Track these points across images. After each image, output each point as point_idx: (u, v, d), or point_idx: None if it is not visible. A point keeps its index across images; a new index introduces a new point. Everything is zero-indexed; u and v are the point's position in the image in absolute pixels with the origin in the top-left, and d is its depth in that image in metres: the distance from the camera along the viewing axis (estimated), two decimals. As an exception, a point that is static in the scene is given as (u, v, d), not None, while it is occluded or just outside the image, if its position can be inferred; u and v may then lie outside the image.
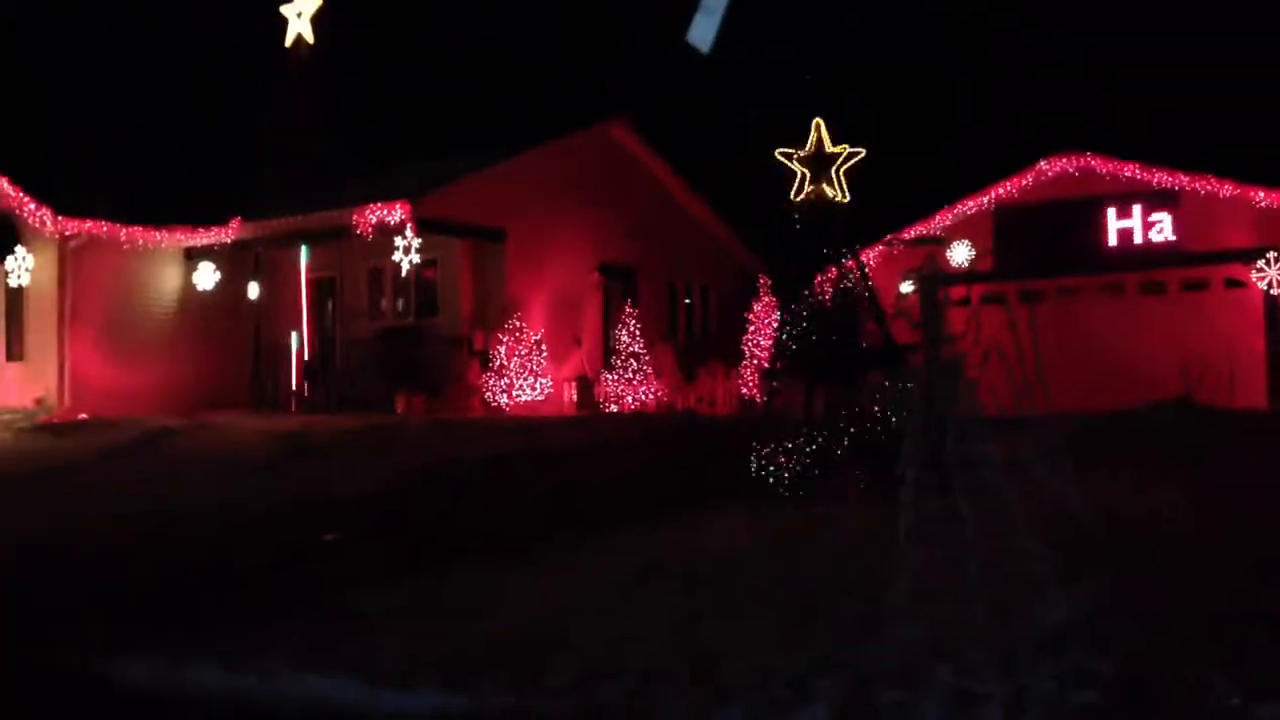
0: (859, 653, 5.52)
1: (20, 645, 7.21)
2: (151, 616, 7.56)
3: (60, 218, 19.62)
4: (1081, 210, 21.90)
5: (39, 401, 19.64)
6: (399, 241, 19.11)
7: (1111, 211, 21.72)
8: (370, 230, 19.41)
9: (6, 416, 19.10)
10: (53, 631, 7.44)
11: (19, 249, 20.34)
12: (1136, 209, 21.54)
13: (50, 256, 19.87)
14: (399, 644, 6.37)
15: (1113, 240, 21.75)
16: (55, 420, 18.79)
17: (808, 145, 10.01)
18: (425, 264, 20.19)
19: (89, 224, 19.88)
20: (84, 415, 19.00)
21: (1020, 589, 6.13)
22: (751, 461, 9.68)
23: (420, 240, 19.19)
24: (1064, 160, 22.16)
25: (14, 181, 20.18)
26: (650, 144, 24.48)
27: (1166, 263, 21.20)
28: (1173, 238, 21.25)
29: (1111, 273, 21.64)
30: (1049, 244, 22.21)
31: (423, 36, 32.62)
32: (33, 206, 19.79)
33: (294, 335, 21.17)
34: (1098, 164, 21.84)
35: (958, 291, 19.93)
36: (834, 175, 9.98)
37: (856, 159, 10.08)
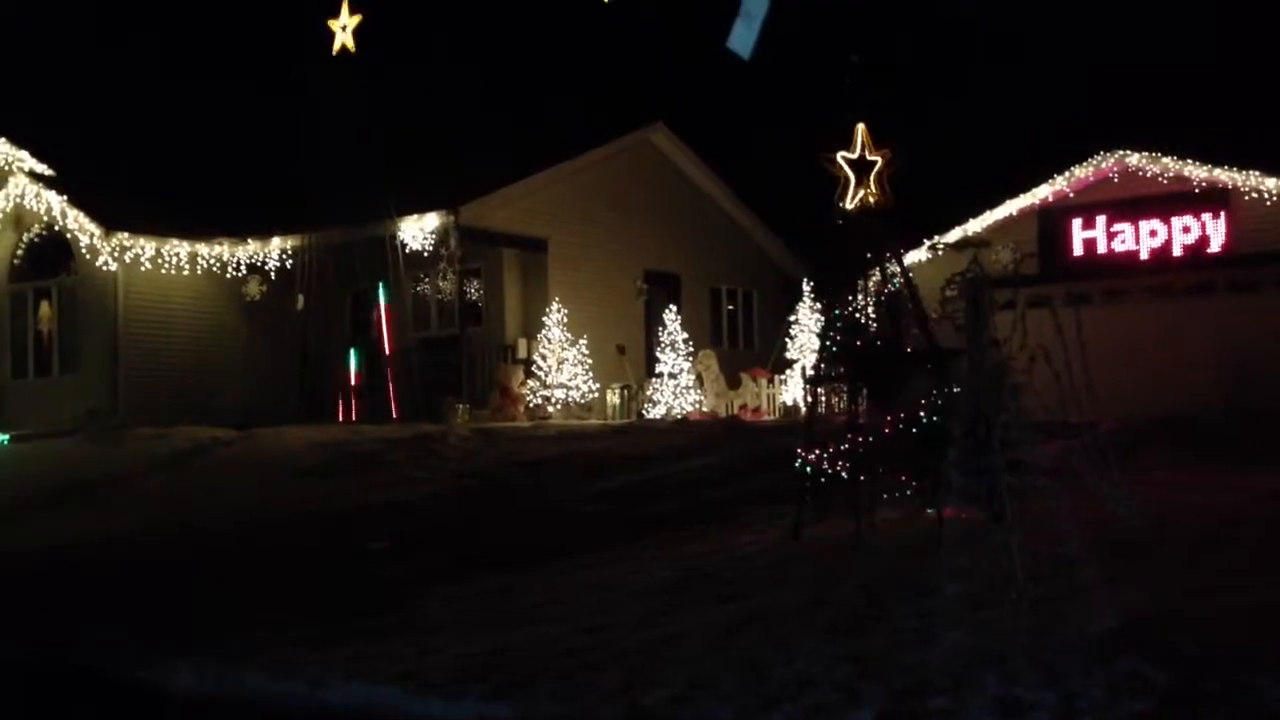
0: (905, 660, 5.48)
1: (72, 648, 7.32)
2: (200, 622, 7.66)
3: (111, 232, 19.95)
4: (1129, 210, 21.62)
5: (91, 413, 19.95)
6: (442, 251, 19.23)
7: (1160, 211, 21.42)
8: (414, 240, 19.56)
9: (62, 429, 19.42)
10: (103, 635, 7.55)
11: (72, 263, 20.71)
12: (1185, 208, 21.22)
13: (102, 270, 20.21)
14: (444, 651, 6.41)
15: (1160, 240, 21.45)
16: (109, 431, 19.06)
17: (852, 149, 9.97)
18: (469, 273, 20.32)
19: (139, 238, 20.21)
20: (135, 426, 19.27)
21: (1069, 595, 6.05)
22: (796, 468, 9.63)
23: (463, 250, 19.30)
24: (1110, 160, 21.88)
25: (66, 197, 20.57)
26: (692, 150, 24.49)
27: (1216, 263, 20.86)
28: (1223, 237, 20.92)
29: (1160, 273, 21.32)
30: (1095, 245, 21.97)
31: (464, 47, 32.86)
32: (85, 222, 20.14)
33: (339, 345, 21.37)
34: (1144, 163, 21.54)
35: (1002, 294, 19.71)
36: (877, 179, 9.93)
37: (899, 163, 10.02)
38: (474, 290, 20.96)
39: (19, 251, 21.69)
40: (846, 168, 9.94)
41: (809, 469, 9.55)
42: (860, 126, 9.99)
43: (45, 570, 10.11)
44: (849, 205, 9.94)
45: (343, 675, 6.11)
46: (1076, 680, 4.94)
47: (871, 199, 9.90)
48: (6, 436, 18.62)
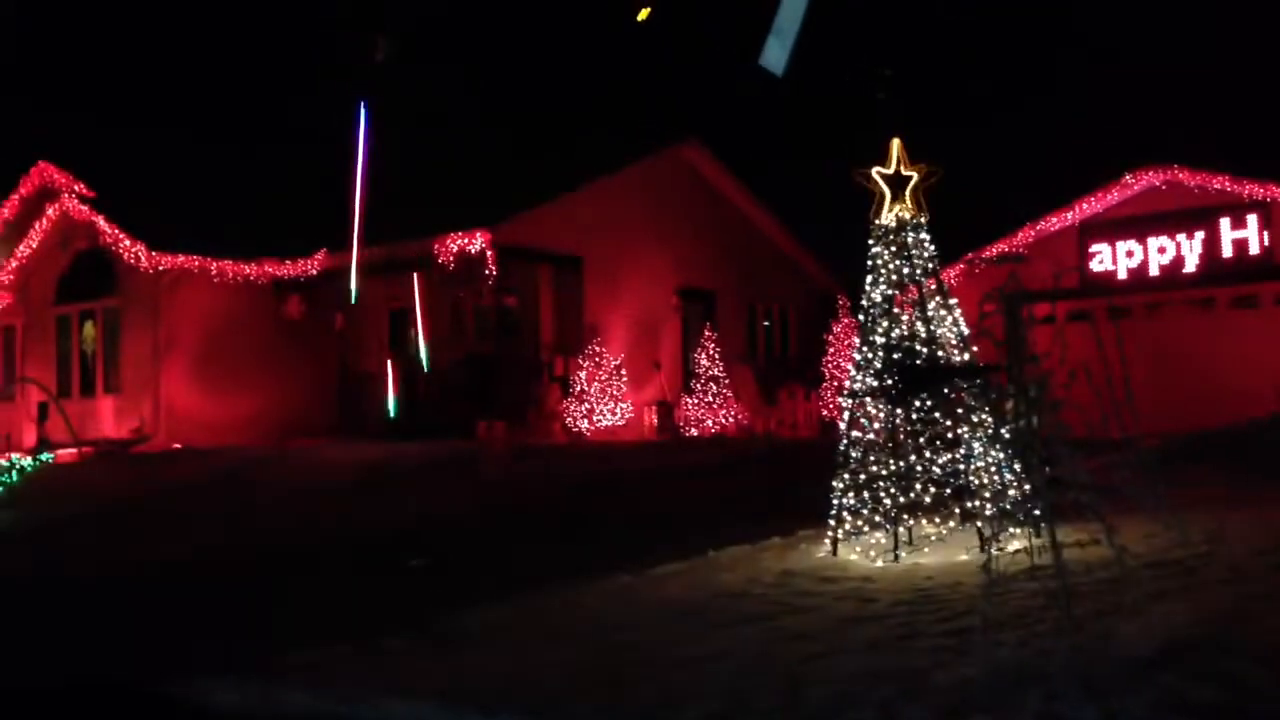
0: (946, 678, 5.43)
1: (114, 664, 7.40)
2: (238, 638, 7.72)
3: (154, 253, 20.23)
4: (1169, 224, 21.42)
5: (135, 432, 20.21)
6: (479, 269, 19.34)
7: (1200, 224, 21.21)
8: (451, 259, 19.69)
9: (105, 448, 19.68)
10: (144, 651, 7.63)
11: (116, 284, 21.01)
12: (1226, 221, 21.00)
13: (145, 291, 20.49)
14: (482, 667, 6.43)
15: (1201, 254, 21.23)
16: (151, 450, 19.30)
17: (887, 164, 9.93)
18: (505, 291, 20.43)
19: (181, 258, 20.47)
20: (178, 445, 19.49)
21: (1113, 613, 5.98)
22: (832, 484, 9.59)
23: (500, 267, 19.40)
24: (1150, 173, 21.69)
25: (109, 219, 20.88)
26: (726, 166, 24.52)
27: (1258, 276, 20.62)
28: (1265, 250, 20.67)
29: (1201, 287, 21.11)
30: (1136, 258, 21.77)
31: (499, 65, 33.09)
32: (128, 243, 20.44)
33: (377, 364, 21.52)
34: (1185, 176, 21.33)
35: (1042, 309, 19.56)
36: (913, 194, 9.88)
37: (935, 178, 9.97)
38: (510, 307, 21.06)
39: (65, 272, 22.04)
40: (882, 183, 9.91)
41: (845, 485, 9.50)
42: (895, 141, 9.96)
43: (83, 589, 10.22)
44: (878, 219, 9.91)
45: (380, 692, 6.13)
46: (1119, 698, 4.87)
47: (908, 213, 9.86)
48: (51, 455, 18.88)
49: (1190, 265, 21.30)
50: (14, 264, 22.12)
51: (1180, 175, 21.37)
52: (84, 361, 21.88)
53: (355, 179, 20.62)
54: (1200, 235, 21.21)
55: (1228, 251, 20.97)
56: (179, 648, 7.73)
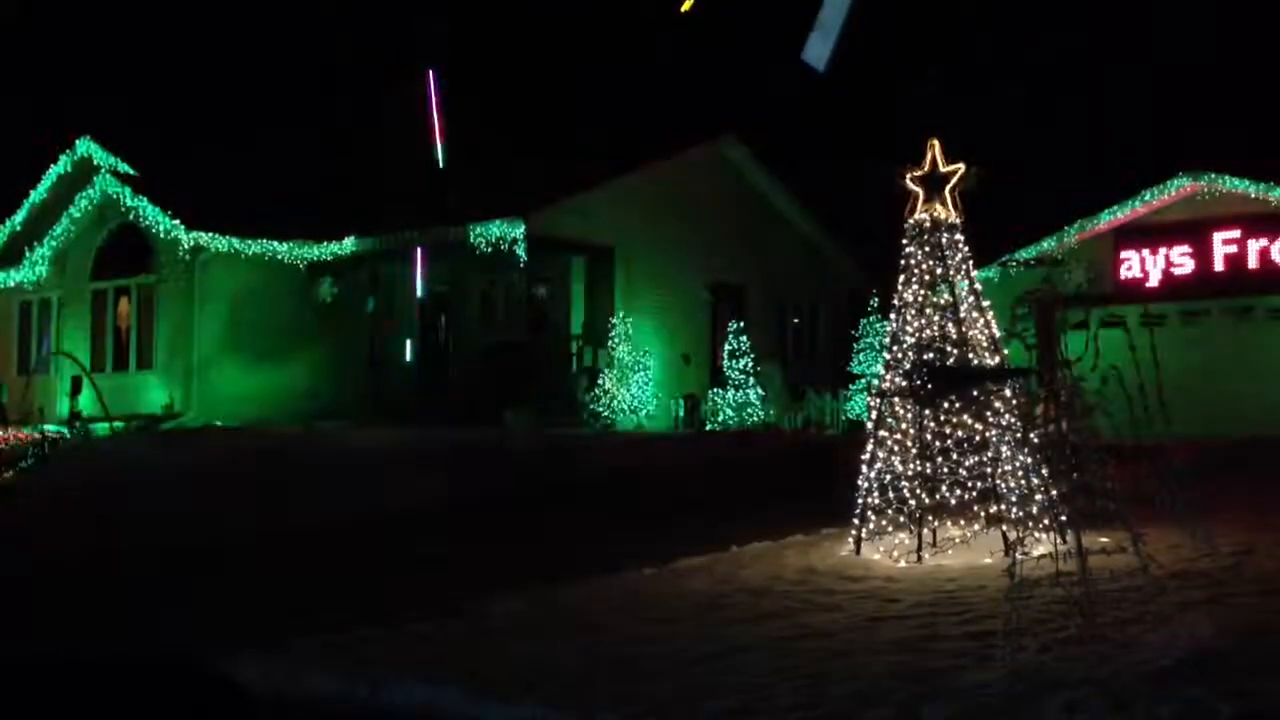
0: (966, 682, 5.41)
1: (137, 638, 7.48)
2: (265, 617, 7.79)
3: (190, 232, 20.39)
4: (1207, 230, 21.19)
5: (167, 408, 20.40)
6: (511, 258, 19.39)
7: (1239, 232, 20.97)
8: (483, 246, 19.74)
9: (137, 423, 19.88)
10: (168, 627, 7.71)
11: (151, 261, 21.21)
12: (1264, 230, 20.76)
13: (180, 269, 20.67)
14: (504, 655, 6.46)
15: (1240, 262, 20.98)
16: (182, 427, 19.48)
17: (924, 164, 9.88)
18: (537, 280, 20.48)
19: (217, 238, 20.62)
20: (208, 422, 19.66)
21: (1137, 622, 5.94)
22: (858, 484, 9.57)
23: (531, 256, 19.44)
24: (1189, 180, 21.46)
25: (147, 196, 21.07)
26: (762, 162, 24.45)
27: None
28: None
29: (1238, 295, 20.87)
30: (1172, 266, 21.56)
31: (538, 56, 33.10)
32: (164, 220, 20.62)
33: (407, 348, 21.61)
34: (1224, 184, 21.09)
35: (1075, 314, 19.37)
36: (949, 195, 9.83)
37: (972, 178, 9.91)
38: (541, 296, 21.10)
39: (101, 248, 22.27)
40: (915, 184, 9.85)
41: (871, 485, 9.48)
42: (932, 142, 9.90)
43: (111, 562, 10.34)
44: (913, 219, 9.86)
45: (404, 675, 6.17)
46: (1141, 709, 4.84)
47: (943, 213, 9.80)
48: (83, 428, 19.09)
49: (1226, 273, 21.06)
50: (53, 238, 22.36)
51: (1219, 184, 21.12)
52: (118, 336, 22.11)
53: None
54: (1237, 243, 20.97)
55: (1268, 260, 20.72)
56: (205, 625, 7.81)
